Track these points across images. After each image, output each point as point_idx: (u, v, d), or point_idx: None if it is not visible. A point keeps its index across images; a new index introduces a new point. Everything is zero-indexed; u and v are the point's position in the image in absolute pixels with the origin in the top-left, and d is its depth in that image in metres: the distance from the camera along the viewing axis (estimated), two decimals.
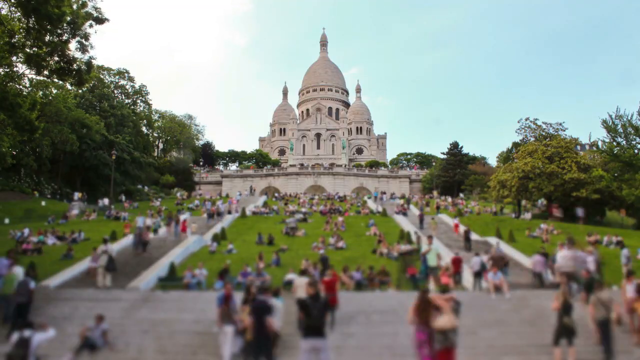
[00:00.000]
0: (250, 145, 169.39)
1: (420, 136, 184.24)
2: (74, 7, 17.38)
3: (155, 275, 16.48)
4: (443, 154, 71.07)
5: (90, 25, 18.05)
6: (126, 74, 67.13)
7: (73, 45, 17.96)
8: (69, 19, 16.75)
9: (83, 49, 18.07)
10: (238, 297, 13.35)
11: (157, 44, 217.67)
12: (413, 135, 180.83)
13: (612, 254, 19.81)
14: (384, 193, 54.91)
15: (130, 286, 15.12)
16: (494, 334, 10.00)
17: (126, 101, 67.09)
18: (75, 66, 17.64)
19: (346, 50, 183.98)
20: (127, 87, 68.25)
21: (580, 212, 32.35)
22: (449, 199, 50.30)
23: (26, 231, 24.63)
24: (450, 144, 69.16)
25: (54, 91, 46.39)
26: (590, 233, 25.22)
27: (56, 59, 17.42)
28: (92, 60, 18.71)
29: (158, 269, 17.19)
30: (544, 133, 42.83)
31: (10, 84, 20.50)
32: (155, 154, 75.81)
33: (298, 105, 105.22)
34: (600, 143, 33.97)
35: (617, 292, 11.18)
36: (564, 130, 42.37)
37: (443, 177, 65.29)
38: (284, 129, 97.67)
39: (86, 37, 17.89)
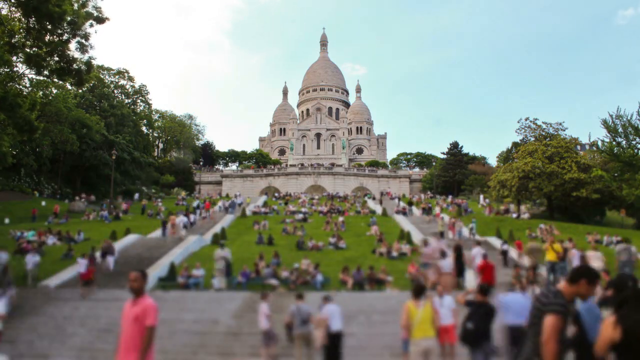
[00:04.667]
0: (250, 145, 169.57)
1: (420, 136, 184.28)
2: (75, 6, 17.38)
3: (156, 275, 16.50)
4: (443, 154, 71.11)
5: (91, 25, 18.06)
6: (126, 74, 67.13)
7: (73, 45, 17.98)
8: (69, 18, 16.75)
9: (83, 49, 18.08)
10: (240, 297, 13.39)
11: (156, 44, 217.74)
12: (413, 135, 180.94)
13: (612, 253, 19.78)
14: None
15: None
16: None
17: (126, 101, 67.06)
18: (75, 66, 17.65)
19: (346, 50, 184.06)
20: (127, 87, 68.28)
21: None
22: (449, 199, 50.31)
23: (25, 233, 24.61)
24: (450, 144, 69.21)
25: (54, 91, 46.40)
26: (590, 233, 25.23)
27: (56, 59, 17.43)
28: (92, 61, 18.74)
29: (158, 269, 17.20)
30: (544, 133, 42.77)
31: (11, 84, 20.48)
32: (155, 154, 75.80)
33: (298, 105, 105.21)
34: (600, 143, 33.89)
35: None
36: (564, 130, 42.33)
37: (443, 177, 65.29)
38: (284, 129, 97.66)
39: (86, 37, 17.89)
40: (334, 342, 8.31)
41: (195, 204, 40.60)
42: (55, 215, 33.08)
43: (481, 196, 49.33)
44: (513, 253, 19.54)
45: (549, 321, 3.34)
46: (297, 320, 8.61)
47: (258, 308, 9.33)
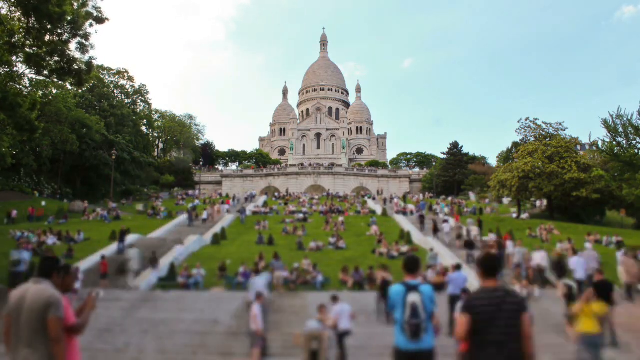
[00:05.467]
0: (250, 145, 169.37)
1: (420, 136, 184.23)
2: (75, 5, 17.37)
3: (156, 275, 16.50)
4: (443, 154, 71.07)
5: (91, 25, 18.05)
6: (126, 74, 67.12)
7: (73, 45, 17.97)
8: (69, 18, 16.74)
9: (83, 49, 18.06)
10: (240, 297, 13.37)
11: (156, 45, 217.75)
12: (413, 135, 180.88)
13: (612, 254, 19.78)
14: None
15: (130, 286, 15.13)
16: None
17: (126, 101, 67.05)
18: (75, 66, 17.63)
19: (346, 50, 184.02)
20: (127, 86, 68.27)
21: None
22: (449, 198, 50.34)
23: (26, 233, 24.60)
24: (450, 144, 69.17)
25: (54, 91, 46.37)
26: (590, 233, 25.23)
27: (56, 58, 17.40)
28: (93, 61, 18.73)
29: (158, 269, 17.19)
30: (544, 133, 42.71)
31: (11, 84, 20.46)
32: (155, 154, 75.77)
33: (298, 105, 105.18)
34: (600, 143, 33.84)
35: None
36: (564, 130, 42.21)
37: (443, 177, 65.28)
38: (284, 129, 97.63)
39: (86, 37, 17.87)
40: (341, 340, 8.62)
41: (194, 203, 40.60)
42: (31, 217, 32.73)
43: (470, 193, 50.55)
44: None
45: (528, 318, 3.47)
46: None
47: (251, 309, 9.33)
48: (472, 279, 14.94)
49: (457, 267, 12.01)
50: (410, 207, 40.10)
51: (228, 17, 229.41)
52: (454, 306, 10.32)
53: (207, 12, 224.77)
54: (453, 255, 19.80)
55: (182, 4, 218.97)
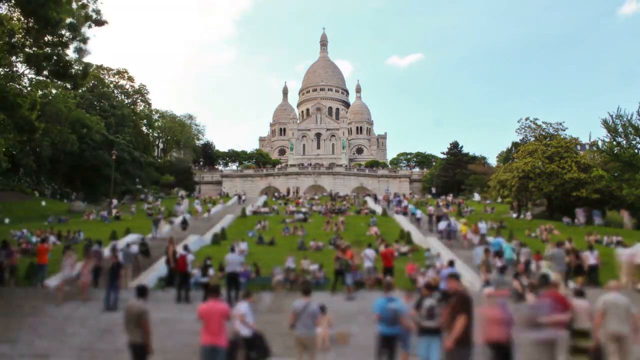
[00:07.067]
0: (250, 145, 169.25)
1: (420, 136, 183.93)
2: (74, 6, 17.40)
3: (155, 275, 16.50)
4: (443, 153, 71.10)
5: (89, 27, 18.11)
6: (126, 74, 67.17)
7: (72, 48, 18.05)
8: (68, 21, 16.79)
9: (80, 52, 18.14)
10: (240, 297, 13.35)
11: (157, 44, 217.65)
12: (413, 135, 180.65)
13: (612, 254, 19.75)
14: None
15: (131, 286, 15.12)
16: None
17: (126, 101, 67.12)
18: (71, 70, 17.71)
19: (346, 49, 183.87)
20: (127, 86, 68.31)
21: (581, 216, 32.16)
22: (449, 198, 50.33)
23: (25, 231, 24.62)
24: (450, 144, 69.19)
25: (54, 91, 46.41)
26: (590, 233, 25.22)
27: (55, 59, 17.44)
28: (88, 67, 18.89)
29: (158, 269, 17.20)
30: (544, 133, 42.69)
31: (10, 84, 20.48)
32: (156, 154, 75.81)
33: (298, 105, 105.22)
34: (600, 143, 33.84)
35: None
36: (564, 130, 42.20)
37: (443, 177, 65.29)
38: (284, 129, 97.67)
39: (84, 40, 17.95)
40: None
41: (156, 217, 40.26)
42: None
43: (476, 194, 50.45)
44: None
45: None
46: (301, 320, 7.45)
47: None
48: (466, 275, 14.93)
49: (450, 264, 12.22)
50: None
51: (228, 18, 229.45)
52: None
53: (208, 12, 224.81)
54: (453, 254, 19.77)
55: (182, 4, 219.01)
